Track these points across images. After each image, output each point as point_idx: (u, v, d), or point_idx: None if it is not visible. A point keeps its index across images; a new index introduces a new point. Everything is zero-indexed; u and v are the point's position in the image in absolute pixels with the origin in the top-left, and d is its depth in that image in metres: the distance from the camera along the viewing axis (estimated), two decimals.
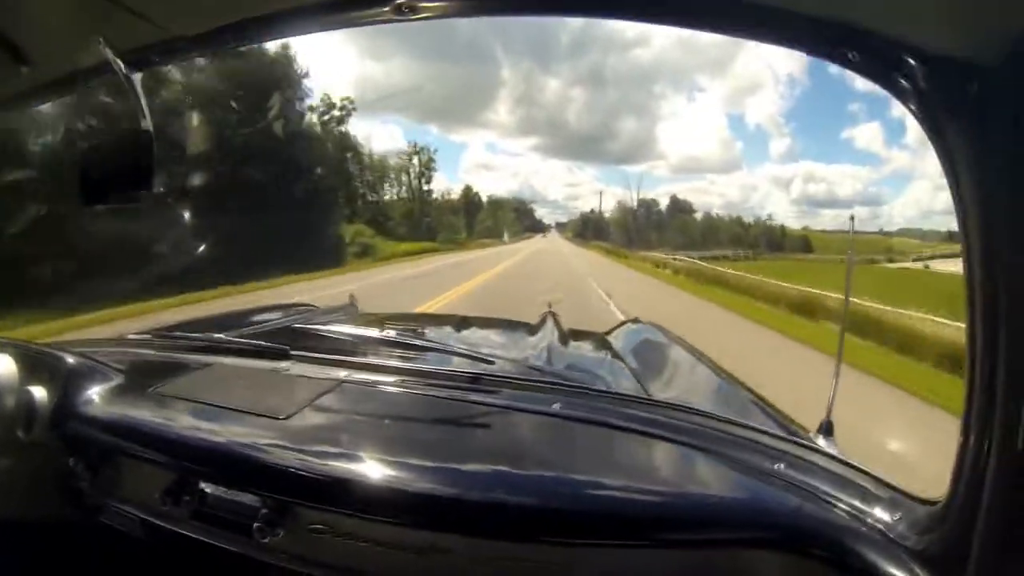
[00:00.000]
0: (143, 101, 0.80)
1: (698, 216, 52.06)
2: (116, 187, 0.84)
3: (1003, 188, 0.52)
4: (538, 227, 63.96)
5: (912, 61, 0.56)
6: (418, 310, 7.05)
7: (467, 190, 60.17)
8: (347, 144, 32.55)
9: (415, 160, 39.28)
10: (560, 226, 66.45)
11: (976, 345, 0.56)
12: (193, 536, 0.87)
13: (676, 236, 48.54)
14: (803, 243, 50.49)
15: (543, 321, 1.92)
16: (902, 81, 0.58)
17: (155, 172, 0.80)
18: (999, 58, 0.50)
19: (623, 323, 2.16)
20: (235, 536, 0.84)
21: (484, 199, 57.96)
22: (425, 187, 39.61)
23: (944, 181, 0.55)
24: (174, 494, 0.87)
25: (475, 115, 69.71)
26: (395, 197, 37.81)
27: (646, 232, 49.84)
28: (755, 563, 0.73)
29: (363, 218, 30.20)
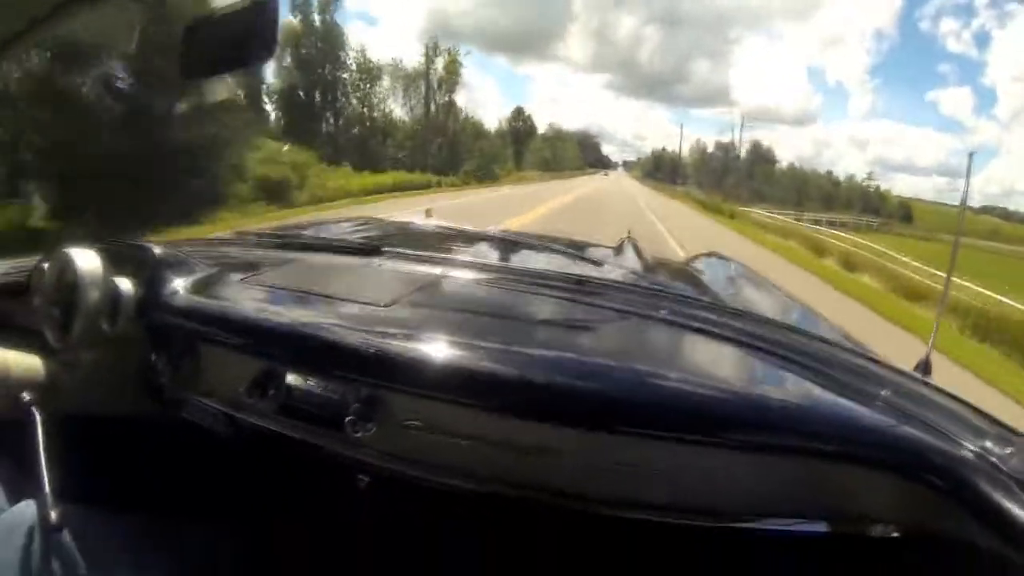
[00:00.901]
0: None
1: (781, 166, 44.90)
2: (234, 53, 0.82)
3: None
4: (604, 163, 60.45)
5: None
6: None
7: (517, 112, 47.92)
8: (330, 37, 21.88)
9: (437, 64, 27.15)
10: (627, 165, 62.93)
11: None
12: (279, 431, 0.84)
13: (767, 189, 41.47)
14: (904, 211, 43.65)
15: (622, 245, 1.73)
16: None
17: (278, 33, 0.77)
18: None
19: (698, 255, 1.98)
20: (325, 430, 0.80)
21: (542, 127, 49.64)
22: (444, 99, 27.56)
23: None
24: (261, 386, 0.84)
25: (546, 48, 64.24)
26: (405, 112, 27.70)
27: (734, 181, 41.87)
28: (859, 482, 0.72)
29: (334, 143, 19.76)
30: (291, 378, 0.83)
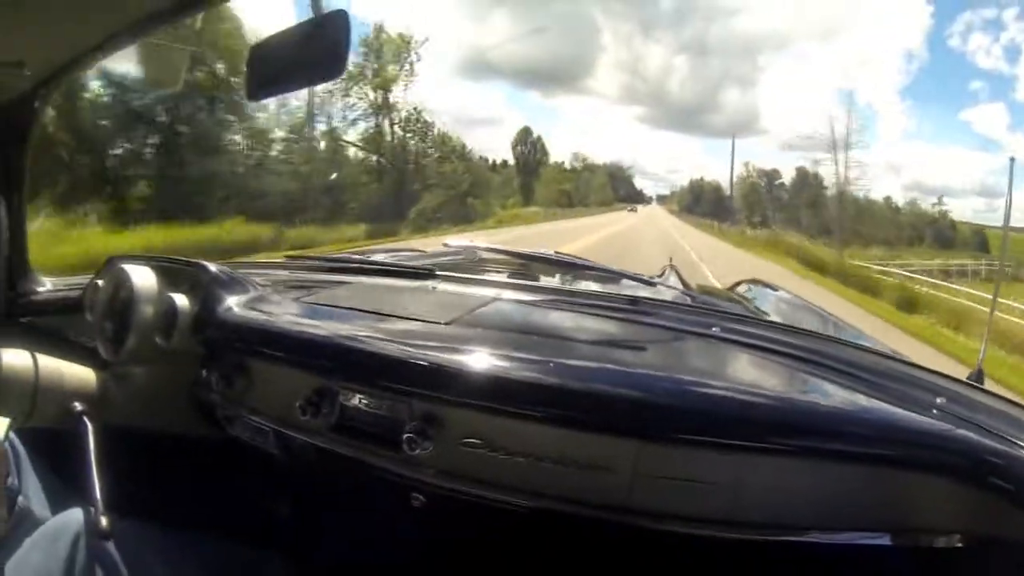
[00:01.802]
0: None
1: (829, 193, 36.09)
2: (303, 70, 0.87)
3: None
4: (637, 197, 54.47)
5: None
6: None
7: (523, 134, 38.32)
8: None
9: (377, 55, 17.10)
10: (662, 198, 56.89)
11: None
12: (332, 448, 0.89)
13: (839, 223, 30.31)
14: (980, 239, 34.98)
15: (664, 273, 1.97)
16: None
17: (349, 47, 0.83)
18: None
19: (739, 282, 2.12)
20: (381, 448, 0.85)
21: (567, 157, 42.96)
22: (378, 99, 17.53)
23: None
24: (315, 403, 0.89)
25: (576, 81, 66.85)
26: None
27: (790, 214, 34.76)
28: (923, 489, 0.74)
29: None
30: (346, 396, 0.88)
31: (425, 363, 0.82)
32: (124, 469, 0.84)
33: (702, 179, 50.74)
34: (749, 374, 0.93)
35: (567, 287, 1.30)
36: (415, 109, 21.09)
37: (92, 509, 0.75)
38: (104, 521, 0.72)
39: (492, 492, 0.81)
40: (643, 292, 1.23)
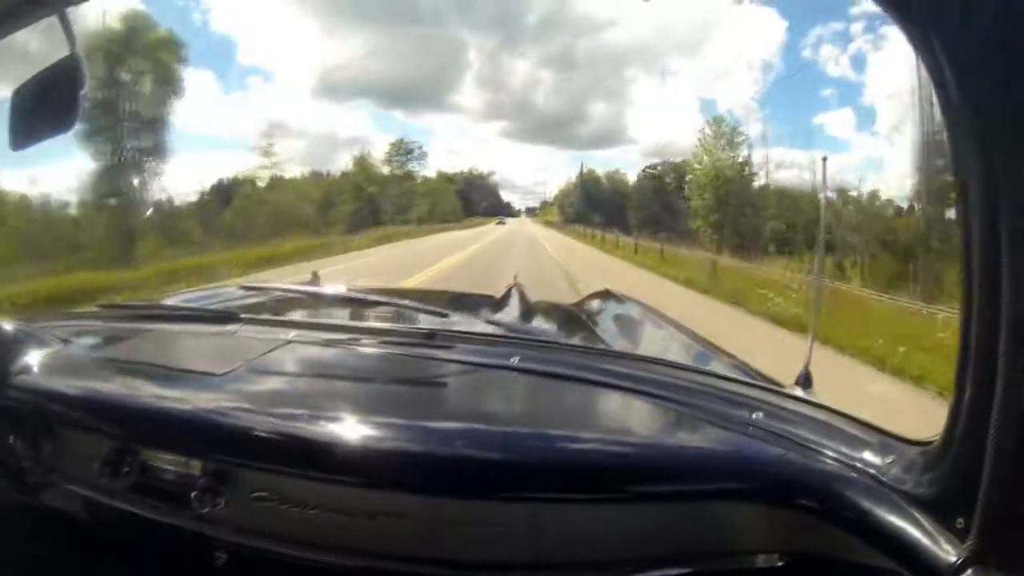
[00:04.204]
0: (73, 29, 0.83)
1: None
2: (49, 121, 0.85)
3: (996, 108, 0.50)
4: (502, 211, 47.40)
5: None
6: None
7: None
8: None
9: None
10: (531, 211, 51.23)
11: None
12: (134, 511, 0.91)
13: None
14: None
15: (508, 293, 2.05)
16: None
17: (86, 96, 0.84)
18: None
19: (593, 294, 2.25)
20: (173, 508, 0.86)
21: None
22: None
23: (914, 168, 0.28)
24: (113, 465, 0.90)
25: (441, 98, 59.30)
26: None
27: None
28: (736, 517, 0.75)
29: None
30: (143, 455, 0.89)
31: (190, 422, 0.82)
32: None
33: (592, 172, 38.66)
34: (542, 409, 0.91)
35: (366, 324, 1.29)
36: None
37: None
38: None
39: (289, 548, 0.80)
40: (448, 323, 1.22)
